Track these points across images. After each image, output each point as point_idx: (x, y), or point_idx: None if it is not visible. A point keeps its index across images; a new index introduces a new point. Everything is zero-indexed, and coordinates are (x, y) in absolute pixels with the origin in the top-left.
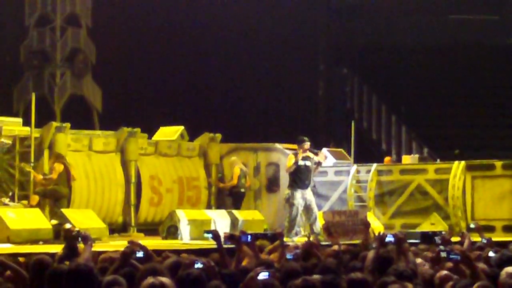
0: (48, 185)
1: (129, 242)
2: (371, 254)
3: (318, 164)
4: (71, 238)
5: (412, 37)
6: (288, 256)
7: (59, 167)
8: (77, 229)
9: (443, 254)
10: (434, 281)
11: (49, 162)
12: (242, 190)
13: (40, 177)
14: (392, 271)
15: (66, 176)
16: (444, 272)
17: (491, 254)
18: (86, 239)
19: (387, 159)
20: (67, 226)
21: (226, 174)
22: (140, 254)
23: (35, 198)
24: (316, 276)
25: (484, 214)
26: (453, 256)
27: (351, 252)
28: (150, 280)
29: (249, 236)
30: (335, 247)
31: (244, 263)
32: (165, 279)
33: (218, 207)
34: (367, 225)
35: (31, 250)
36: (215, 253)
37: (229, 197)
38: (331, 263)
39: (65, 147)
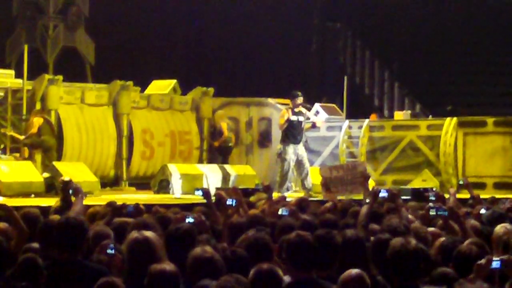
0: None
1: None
2: (364, 209)
3: (313, 126)
4: (67, 190)
5: None
6: (284, 212)
7: (38, 121)
8: (67, 178)
9: (432, 212)
10: (427, 237)
11: (29, 121)
12: (230, 144)
13: (22, 137)
14: (386, 227)
15: (50, 128)
16: (433, 228)
17: (482, 211)
18: (77, 191)
19: (373, 116)
20: (65, 178)
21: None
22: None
23: (26, 150)
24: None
25: (475, 171)
26: (441, 213)
27: (343, 208)
28: (134, 234)
29: (234, 201)
30: (329, 203)
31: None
32: (149, 233)
33: (210, 161)
34: (366, 177)
35: (23, 203)
36: (200, 207)
37: (218, 152)
38: (330, 219)
39: (58, 99)
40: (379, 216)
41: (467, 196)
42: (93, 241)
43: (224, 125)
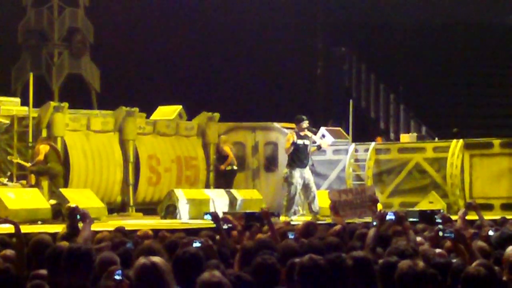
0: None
1: None
2: (371, 232)
3: (319, 148)
4: (74, 217)
5: (410, 16)
6: (290, 235)
7: (44, 148)
8: (74, 205)
9: (441, 233)
10: (435, 259)
11: (34, 149)
12: (235, 167)
13: (28, 164)
14: (393, 249)
15: (56, 155)
16: (439, 250)
17: (491, 232)
18: (85, 217)
19: (378, 139)
20: (71, 205)
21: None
22: None
23: (33, 178)
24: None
25: (482, 192)
26: (447, 235)
27: (350, 231)
28: (142, 260)
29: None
30: (338, 227)
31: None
32: (157, 259)
33: (217, 186)
34: (375, 201)
35: (30, 230)
36: (207, 231)
37: (222, 176)
38: (334, 242)
39: (63, 126)
40: (386, 239)
41: (475, 217)
42: (99, 268)
43: (227, 149)
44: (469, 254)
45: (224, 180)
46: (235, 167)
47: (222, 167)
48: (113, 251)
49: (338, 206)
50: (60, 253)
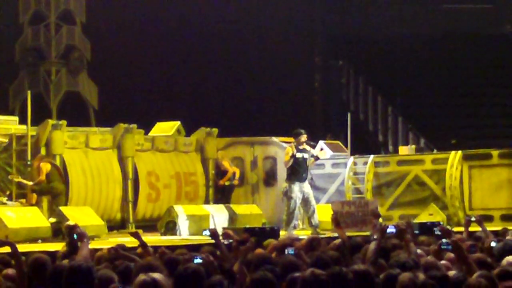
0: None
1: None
2: (372, 245)
3: (316, 159)
4: (73, 235)
5: (406, 28)
6: (290, 251)
7: (46, 167)
8: (72, 223)
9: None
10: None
11: (32, 167)
12: (234, 182)
13: (30, 183)
14: (394, 262)
15: (58, 173)
16: (443, 262)
17: (493, 244)
18: (82, 236)
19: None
20: (70, 223)
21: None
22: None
23: (34, 197)
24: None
25: (482, 203)
26: (444, 247)
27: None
28: (142, 277)
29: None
30: (338, 241)
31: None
32: (157, 275)
33: (216, 201)
34: (377, 216)
35: (30, 248)
36: (208, 247)
37: (220, 191)
38: (334, 256)
39: (62, 144)
40: (386, 252)
41: (477, 228)
42: (97, 285)
43: (226, 163)
44: (466, 266)
45: (222, 194)
46: (234, 182)
47: (221, 182)
48: (113, 269)
49: (339, 217)
50: (61, 271)
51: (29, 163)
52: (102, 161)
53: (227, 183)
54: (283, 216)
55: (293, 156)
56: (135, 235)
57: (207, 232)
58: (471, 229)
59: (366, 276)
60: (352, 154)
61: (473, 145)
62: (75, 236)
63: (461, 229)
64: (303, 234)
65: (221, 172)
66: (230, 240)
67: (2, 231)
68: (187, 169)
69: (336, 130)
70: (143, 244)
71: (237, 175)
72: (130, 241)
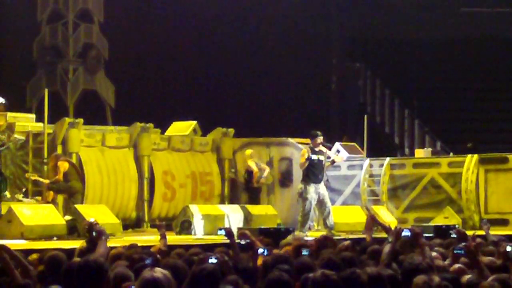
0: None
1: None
2: (387, 248)
3: (332, 162)
4: (92, 232)
5: (424, 31)
6: (304, 251)
7: (64, 165)
8: (92, 220)
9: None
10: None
11: (49, 165)
12: (262, 181)
13: (47, 181)
14: (408, 264)
15: (75, 172)
16: (458, 265)
17: (508, 248)
18: (100, 234)
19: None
20: (91, 219)
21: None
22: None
23: (50, 194)
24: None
25: (498, 207)
26: (457, 251)
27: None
28: (145, 273)
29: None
30: (347, 242)
31: (259, 261)
32: (161, 274)
33: (231, 201)
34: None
35: (45, 246)
36: (222, 247)
37: (245, 192)
38: (347, 257)
39: (78, 142)
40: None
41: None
42: (113, 283)
43: (252, 163)
44: (478, 270)
45: (250, 196)
46: (262, 181)
47: (255, 184)
48: (130, 267)
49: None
50: (74, 268)
51: (45, 160)
52: (118, 159)
53: (251, 185)
54: (298, 217)
55: (309, 158)
56: (160, 227)
57: (222, 232)
58: (481, 233)
59: (378, 279)
60: (368, 156)
61: (489, 149)
62: (94, 233)
63: (480, 232)
64: (318, 235)
65: (249, 173)
66: (247, 240)
67: (18, 228)
68: (202, 169)
69: (352, 132)
70: (163, 236)
71: (266, 173)
72: (143, 240)
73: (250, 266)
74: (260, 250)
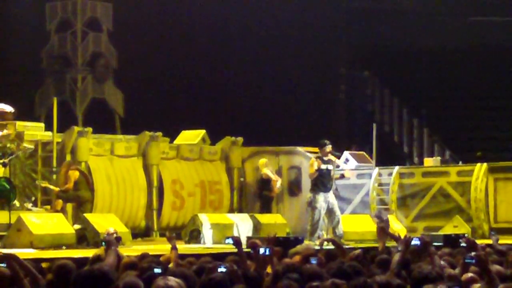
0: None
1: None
2: (396, 257)
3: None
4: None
5: (432, 40)
6: (313, 260)
7: (74, 174)
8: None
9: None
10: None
11: (60, 173)
12: (277, 190)
13: (57, 189)
14: (417, 273)
15: (86, 181)
16: (470, 274)
17: None
18: (110, 244)
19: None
20: (111, 230)
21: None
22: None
23: (59, 203)
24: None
25: (507, 216)
26: (468, 260)
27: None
28: (158, 282)
29: (267, 250)
30: (357, 251)
31: (268, 269)
32: (175, 283)
33: (240, 210)
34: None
35: (54, 255)
36: (232, 256)
37: (258, 199)
38: (355, 266)
39: (87, 151)
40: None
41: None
42: None
43: (268, 172)
44: (489, 279)
45: (263, 205)
46: (276, 191)
47: (272, 193)
48: (139, 276)
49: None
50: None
51: (54, 169)
52: (127, 168)
53: (265, 193)
54: (307, 227)
55: (318, 169)
56: (170, 239)
57: (230, 240)
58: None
59: (387, 286)
60: (377, 165)
61: (498, 158)
62: (103, 243)
63: (487, 241)
64: (326, 245)
65: (264, 182)
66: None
67: (27, 237)
68: (211, 178)
69: (361, 141)
70: (174, 247)
71: (279, 184)
72: (153, 249)
73: (258, 275)
74: (261, 250)
